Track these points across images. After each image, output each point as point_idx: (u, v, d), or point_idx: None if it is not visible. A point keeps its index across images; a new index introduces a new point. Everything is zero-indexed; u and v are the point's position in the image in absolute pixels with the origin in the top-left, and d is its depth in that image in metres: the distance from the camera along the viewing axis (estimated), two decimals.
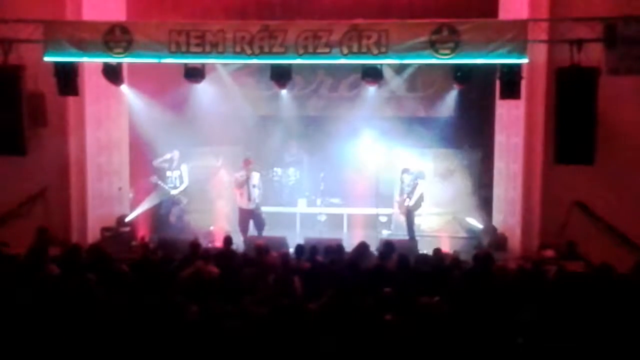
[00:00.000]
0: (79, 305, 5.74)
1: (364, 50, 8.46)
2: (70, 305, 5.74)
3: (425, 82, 12.30)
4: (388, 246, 8.34)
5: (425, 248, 9.84)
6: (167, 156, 11.15)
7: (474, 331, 5.28)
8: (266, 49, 8.54)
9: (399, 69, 11.47)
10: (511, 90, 8.70)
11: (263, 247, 8.15)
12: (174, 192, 11.21)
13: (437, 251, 8.17)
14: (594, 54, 8.37)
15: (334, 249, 8.20)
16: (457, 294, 6.30)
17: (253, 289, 6.76)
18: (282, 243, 9.40)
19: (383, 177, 12.01)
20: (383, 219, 12.04)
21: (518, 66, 8.49)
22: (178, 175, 11.28)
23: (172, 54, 8.64)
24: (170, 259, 7.63)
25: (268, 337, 5.14)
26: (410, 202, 11.00)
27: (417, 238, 10.78)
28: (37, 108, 9.56)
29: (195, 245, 8.11)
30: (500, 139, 11.04)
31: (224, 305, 5.73)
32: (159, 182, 11.16)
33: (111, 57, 8.79)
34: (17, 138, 8.89)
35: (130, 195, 11.76)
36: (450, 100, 11.54)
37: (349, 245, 8.84)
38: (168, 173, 11.24)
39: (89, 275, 6.20)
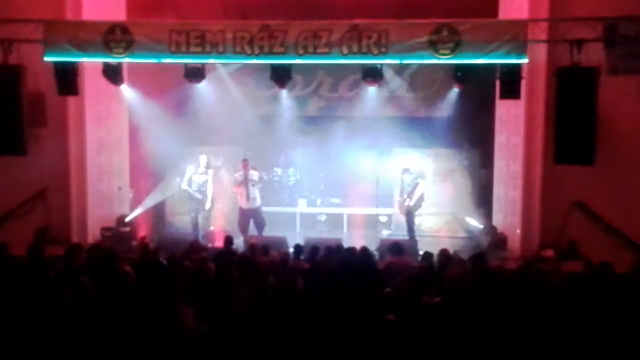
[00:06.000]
0: (75, 307, 5.73)
1: (364, 50, 8.46)
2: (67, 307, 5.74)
3: (425, 82, 12.30)
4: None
5: (425, 248, 9.82)
6: (202, 164, 10.95)
7: (472, 330, 5.28)
8: (266, 49, 8.54)
9: (399, 69, 11.48)
10: (511, 90, 8.70)
11: (257, 246, 8.13)
12: (200, 197, 10.89)
13: (444, 251, 8.05)
14: (594, 54, 8.38)
15: (335, 249, 8.17)
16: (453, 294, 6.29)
17: (244, 288, 6.73)
18: (282, 243, 9.41)
19: (383, 177, 12.00)
20: (383, 219, 12.05)
21: (518, 66, 8.48)
22: (204, 180, 10.98)
23: (172, 54, 8.63)
24: (175, 260, 7.58)
25: (261, 336, 5.14)
26: (410, 202, 10.99)
27: (417, 238, 10.77)
28: (37, 108, 9.57)
29: (195, 245, 8.11)
30: (500, 138, 11.04)
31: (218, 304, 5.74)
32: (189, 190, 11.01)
33: (111, 57, 8.78)
34: (17, 138, 8.88)
35: (130, 195, 11.76)
36: (450, 100, 11.51)
37: (349, 245, 8.80)
38: (194, 177, 10.96)
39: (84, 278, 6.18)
